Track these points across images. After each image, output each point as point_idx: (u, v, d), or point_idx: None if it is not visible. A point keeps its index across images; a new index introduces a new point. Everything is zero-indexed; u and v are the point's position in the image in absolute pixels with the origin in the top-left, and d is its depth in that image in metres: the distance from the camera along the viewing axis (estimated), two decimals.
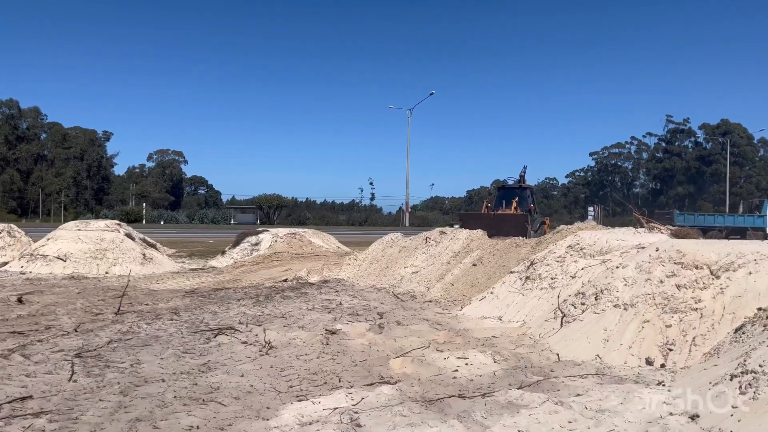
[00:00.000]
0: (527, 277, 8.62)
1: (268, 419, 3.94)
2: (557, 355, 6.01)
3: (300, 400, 4.36)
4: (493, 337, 6.92)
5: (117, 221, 18.43)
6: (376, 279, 12.42)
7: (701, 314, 6.00)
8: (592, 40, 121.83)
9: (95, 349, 5.87)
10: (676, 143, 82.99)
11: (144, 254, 14.99)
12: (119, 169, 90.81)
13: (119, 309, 8.12)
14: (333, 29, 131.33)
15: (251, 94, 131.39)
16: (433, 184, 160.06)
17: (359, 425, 3.82)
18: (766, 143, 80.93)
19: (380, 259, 13.61)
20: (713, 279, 6.34)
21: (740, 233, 31.99)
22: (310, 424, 3.86)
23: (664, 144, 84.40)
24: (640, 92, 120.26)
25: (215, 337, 6.57)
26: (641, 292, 6.48)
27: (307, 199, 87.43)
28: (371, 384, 4.80)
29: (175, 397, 4.39)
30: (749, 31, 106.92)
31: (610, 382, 5.01)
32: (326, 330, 6.88)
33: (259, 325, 7.22)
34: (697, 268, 6.53)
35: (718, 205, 64.28)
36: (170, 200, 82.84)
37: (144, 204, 67.74)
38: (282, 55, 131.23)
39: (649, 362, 5.65)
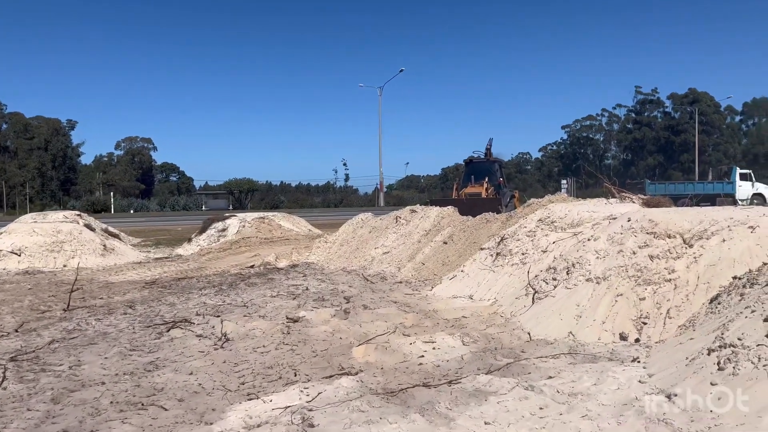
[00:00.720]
0: (498, 254, 8.35)
1: (211, 423, 3.58)
2: (528, 334, 5.75)
3: (250, 399, 4.00)
4: (463, 317, 6.64)
5: (77, 212, 17.73)
6: (347, 261, 12.08)
7: (675, 285, 5.78)
8: (560, 15, 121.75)
9: (34, 351, 5.42)
10: (646, 114, 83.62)
11: (105, 245, 14.39)
12: (86, 159, 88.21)
13: (68, 305, 7.64)
14: (300, 8, 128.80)
15: (220, 77, 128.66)
16: (408, 163, 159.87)
17: (312, 425, 3.48)
18: (732, 111, 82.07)
19: (350, 241, 13.26)
20: (686, 248, 6.12)
21: (710, 200, 32.38)
22: (258, 426, 3.51)
23: (634, 115, 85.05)
24: (609, 64, 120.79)
25: (168, 331, 6.16)
26: (614, 265, 6.25)
27: (281, 182, 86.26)
28: (330, 376, 4.46)
29: (111, 402, 3.99)
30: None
31: (583, 362, 4.76)
32: (288, 318, 6.51)
33: (218, 316, 6.82)
34: (669, 237, 6.31)
35: (688, 174, 65.20)
36: (141, 188, 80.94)
37: (112, 193, 66.01)
38: (249, 37, 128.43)
39: (623, 337, 5.43)
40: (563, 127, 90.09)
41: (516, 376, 4.35)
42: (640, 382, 4.15)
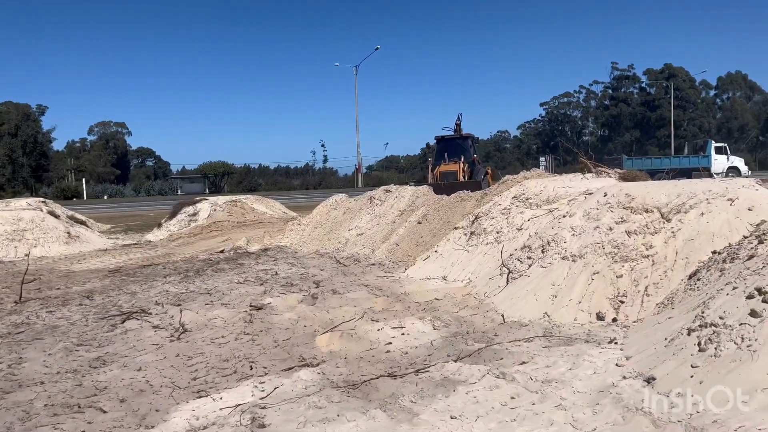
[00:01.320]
0: (472, 233, 8.08)
1: (152, 427, 3.26)
2: (502, 316, 5.50)
3: (200, 397, 3.68)
4: (436, 299, 6.37)
5: (42, 199, 17.08)
6: (320, 244, 11.74)
7: (653, 261, 5.57)
8: None
9: None
10: (622, 90, 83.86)
11: (69, 232, 13.85)
12: (59, 145, 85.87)
13: (20, 296, 7.21)
14: None
15: (196, 59, 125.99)
16: (387, 144, 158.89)
17: (263, 425, 3.18)
18: (707, 85, 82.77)
19: (324, 223, 12.91)
20: (664, 222, 5.90)
21: (686, 174, 32.56)
22: (204, 428, 3.20)
23: (610, 91, 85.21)
24: (586, 40, 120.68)
25: (123, 322, 5.79)
26: (590, 242, 6.01)
27: (260, 165, 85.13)
28: (289, 369, 4.16)
29: (46, 405, 3.64)
30: None
31: (558, 344, 4.52)
32: (251, 306, 6.18)
33: (178, 305, 6.46)
34: (647, 211, 6.09)
35: (665, 149, 65.71)
36: (116, 174, 79.25)
37: (84, 179, 64.46)
38: (223, 18, 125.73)
39: (600, 317, 5.20)
40: (541, 104, 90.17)
41: (487, 363, 4.10)
42: (617, 365, 3.93)
